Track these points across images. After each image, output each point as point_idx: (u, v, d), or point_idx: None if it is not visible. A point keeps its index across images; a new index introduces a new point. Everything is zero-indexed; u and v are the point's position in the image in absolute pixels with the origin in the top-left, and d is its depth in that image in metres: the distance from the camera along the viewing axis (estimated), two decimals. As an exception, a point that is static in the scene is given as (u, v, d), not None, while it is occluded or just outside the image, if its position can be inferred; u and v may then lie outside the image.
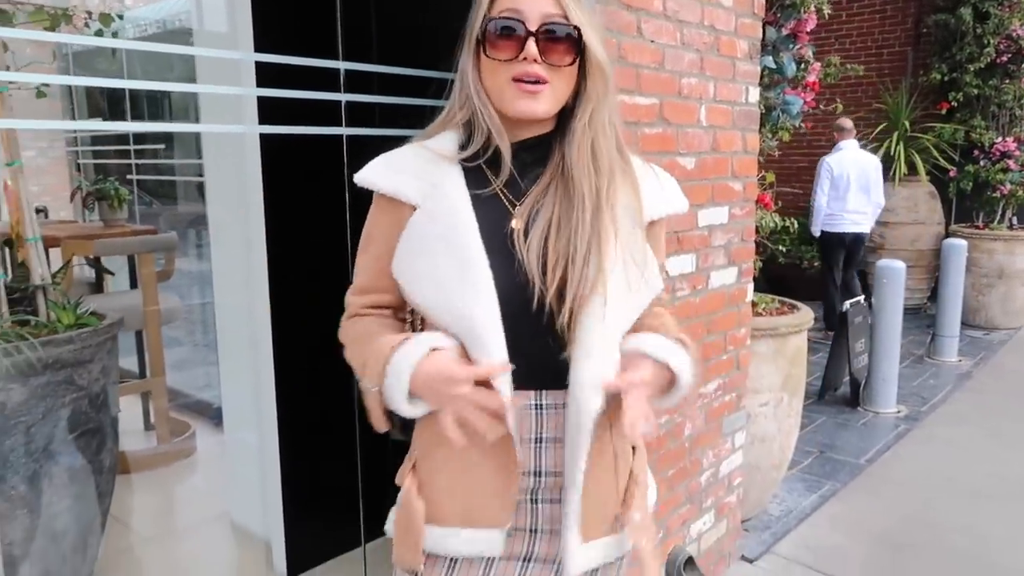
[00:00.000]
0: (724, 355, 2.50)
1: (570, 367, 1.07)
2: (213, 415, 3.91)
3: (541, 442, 1.11)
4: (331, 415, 2.44)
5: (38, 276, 2.26)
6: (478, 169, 1.12)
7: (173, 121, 5.28)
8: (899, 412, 4.37)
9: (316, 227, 2.23)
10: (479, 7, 1.11)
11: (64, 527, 2.22)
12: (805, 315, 2.96)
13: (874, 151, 6.76)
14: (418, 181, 1.12)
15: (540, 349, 1.08)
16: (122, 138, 4.91)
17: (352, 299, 1.22)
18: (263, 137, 2.15)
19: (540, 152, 1.14)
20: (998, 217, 6.59)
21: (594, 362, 1.06)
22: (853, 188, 5.65)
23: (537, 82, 1.07)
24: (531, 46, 1.06)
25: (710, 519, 2.56)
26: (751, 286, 2.59)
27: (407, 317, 1.21)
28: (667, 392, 1.12)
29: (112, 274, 3.33)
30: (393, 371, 1.03)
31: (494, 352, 1.03)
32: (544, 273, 1.06)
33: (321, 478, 2.47)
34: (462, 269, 1.06)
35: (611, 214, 1.10)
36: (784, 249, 7.02)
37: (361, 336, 1.15)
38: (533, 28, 1.06)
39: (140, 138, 4.88)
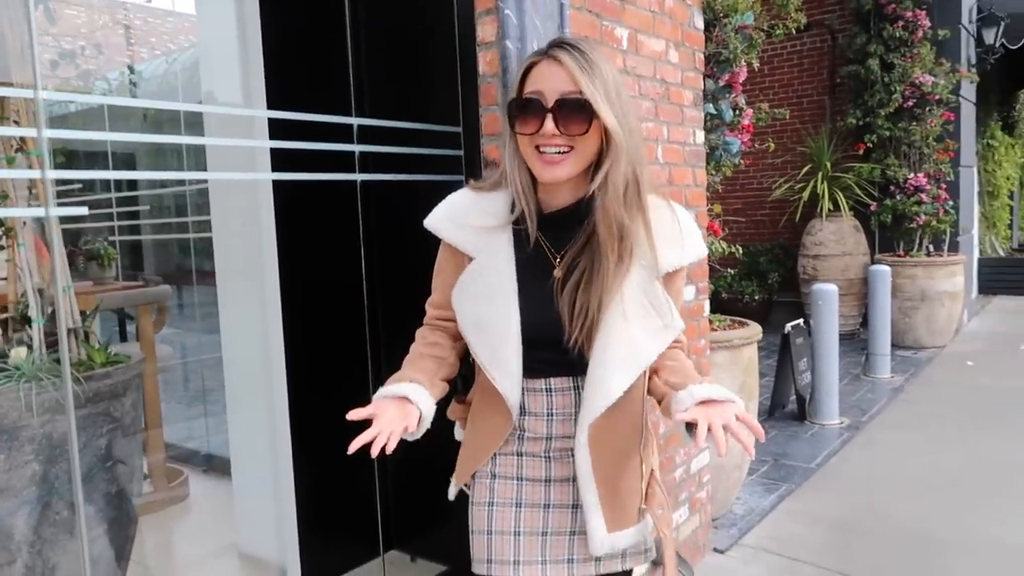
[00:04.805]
0: (688, 364, 2.83)
1: (583, 398, 1.29)
2: (200, 461, 4.09)
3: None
4: (344, 440, 2.61)
5: (70, 320, 2.47)
6: (526, 230, 1.30)
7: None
8: (842, 423, 4.76)
9: (332, 275, 2.44)
10: (514, 88, 1.25)
11: (100, 552, 2.38)
12: (755, 329, 3.33)
13: (801, 191, 7.35)
14: (475, 238, 1.32)
15: (560, 376, 1.32)
16: (103, 203, 5.11)
17: (429, 309, 1.45)
18: (276, 185, 2.37)
19: (583, 212, 1.27)
20: (916, 245, 7.17)
21: (607, 384, 1.26)
22: None
23: (560, 151, 1.21)
24: (548, 123, 1.19)
25: (685, 512, 2.86)
26: (707, 303, 2.94)
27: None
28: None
29: (131, 318, 3.52)
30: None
31: (511, 390, 1.30)
32: (572, 319, 1.26)
33: (335, 501, 2.61)
34: (501, 319, 1.28)
35: (628, 274, 1.25)
36: (728, 283, 7.53)
37: (411, 352, 1.42)
38: (549, 105, 1.19)
39: (122, 201, 5.10)
